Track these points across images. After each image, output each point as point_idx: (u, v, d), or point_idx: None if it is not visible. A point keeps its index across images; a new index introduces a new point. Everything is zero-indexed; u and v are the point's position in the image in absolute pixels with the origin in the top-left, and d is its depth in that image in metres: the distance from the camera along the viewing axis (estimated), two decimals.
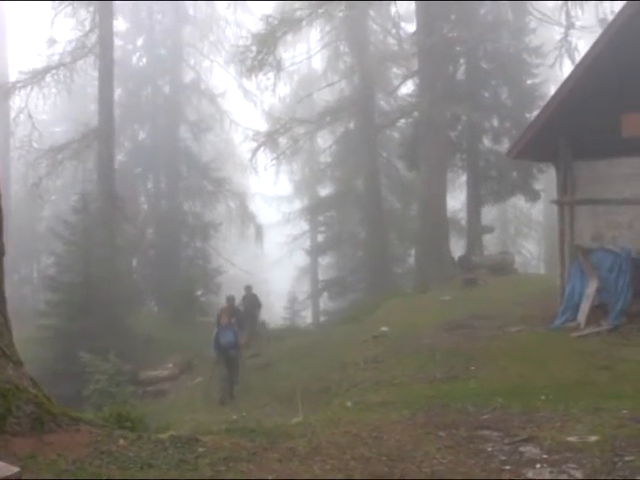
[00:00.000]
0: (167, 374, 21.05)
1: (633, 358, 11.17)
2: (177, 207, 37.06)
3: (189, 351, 22.43)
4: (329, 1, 26.37)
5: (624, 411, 7.92)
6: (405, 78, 32.24)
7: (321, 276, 43.64)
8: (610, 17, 18.09)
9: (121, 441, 6.14)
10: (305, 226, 46.03)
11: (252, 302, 22.63)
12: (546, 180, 29.13)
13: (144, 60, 39.44)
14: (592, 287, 14.06)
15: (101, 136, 28.75)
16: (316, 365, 15.97)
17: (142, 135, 39.22)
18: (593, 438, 6.97)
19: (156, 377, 20.93)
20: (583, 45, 24.78)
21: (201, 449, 6.23)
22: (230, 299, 20.98)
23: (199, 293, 32.32)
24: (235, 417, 13.65)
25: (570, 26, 26.16)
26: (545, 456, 6.57)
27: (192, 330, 25.59)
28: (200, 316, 28.98)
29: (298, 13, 26.80)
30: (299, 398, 12.79)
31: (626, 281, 13.78)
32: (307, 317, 40.69)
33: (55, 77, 30.57)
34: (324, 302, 41.79)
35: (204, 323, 25.11)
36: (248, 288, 23.23)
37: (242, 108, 41.95)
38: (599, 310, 14.02)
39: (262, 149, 32.48)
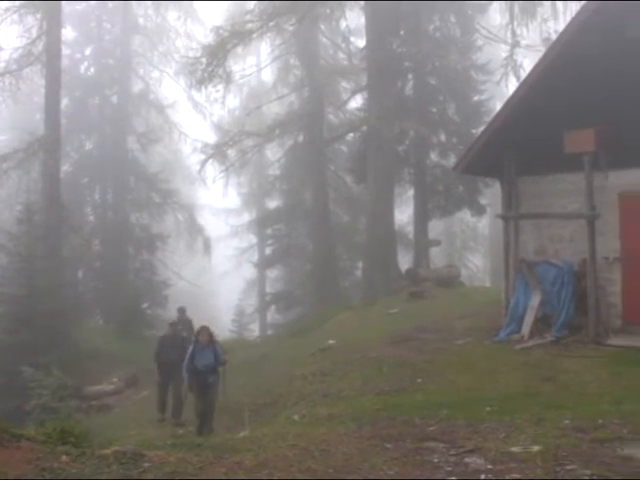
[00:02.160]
0: (112, 388, 20.76)
1: (575, 369, 11.38)
2: (124, 218, 36.63)
3: (135, 365, 22.12)
4: (280, 15, 26.42)
5: (566, 421, 8.05)
6: (354, 92, 32.53)
7: (269, 289, 43.60)
8: (553, 37, 18.55)
9: (64, 457, 6.02)
10: (253, 239, 45.94)
11: (185, 327, 19.18)
12: (491, 195, 29.62)
13: (92, 69, 39.01)
14: (536, 300, 14.30)
15: (47, 145, 28.25)
16: (263, 378, 15.90)
17: (89, 145, 38.68)
18: (536, 448, 7.07)
19: (101, 391, 20.61)
20: (528, 63, 25.45)
21: (146, 464, 6.14)
22: (181, 310, 20.06)
23: (146, 306, 31.93)
24: (181, 432, 13.50)
25: (515, 45, 26.79)
26: (490, 467, 6.64)
27: (138, 344, 25.25)
28: (147, 329, 28.65)
29: (249, 26, 26.81)
30: (246, 412, 12.71)
31: (569, 294, 14.05)
32: (255, 330, 40.60)
33: (1, 85, 30.02)
34: (272, 315, 41.74)
35: (150, 336, 24.79)
36: (181, 310, 20.31)
37: (191, 120, 41.86)
38: (543, 322, 14.26)
39: (211, 161, 32.41)
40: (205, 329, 13.55)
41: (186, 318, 19.64)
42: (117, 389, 20.67)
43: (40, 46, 29.40)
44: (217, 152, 32.29)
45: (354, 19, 32.36)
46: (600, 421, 7.92)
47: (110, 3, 37.63)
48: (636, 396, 9.39)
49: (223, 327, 35.71)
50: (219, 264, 47.09)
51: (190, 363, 13.10)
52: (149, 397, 17.99)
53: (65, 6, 31.23)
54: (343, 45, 34.18)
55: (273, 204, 42.51)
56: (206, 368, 13.08)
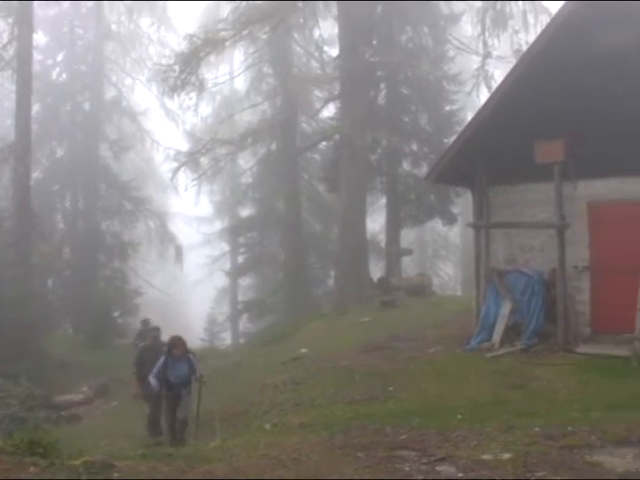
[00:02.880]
0: (82, 398, 20.51)
1: (545, 377, 11.48)
2: (95, 226, 36.33)
3: (105, 374, 21.91)
4: (253, 23, 26.46)
5: (536, 428, 8.12)
6: (327, 101, 32.61)
7: (241, 297, 43.46)
8: (524, 48, 18.78)
9: (32, 468, 5.93)
10: (225, 247, 45.81)
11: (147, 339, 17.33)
12: (463, 204, 29.85)
13: (64, 75, 38.72)
14: (506, 308, 14.40)
15: (17, 152, 27.95)
16: (235, 387, 15.82)
17: (60, 152, 38.34)
18: (507, 455, 7.12)
19: (70, 401, 20.35)
20: (499, 74, 25.73)
21: (116, 474, 6.08)
22: (145, 322, 19.05)
23: (116, 315, 31.69)
24: (152, 441, 13.39)
25: (487, 56, 27.11)
26: (461, 475, 6.67)
27: (108, 353, 25.03)
28: (117, 338, 28.41)
29: (222, 34, 26.80)
30: (217, 421, 12.64)
31: (538, 302, 14.19)
32: (226, 339, 40.39)
33: None
34: (244, 324, 41.57)
35: (121, 345, 24.60)
36: (145, 323, 18.93)
37: (164, 127, 41.70)
38: (513, 331, 14.37)
39: (183, 169, 32.33)
40: (179, 340, 12.54)
41: (152, 327, 17.31)
42: (87, 399, 20.43)
43: (11, 51, 29.15)
44: (189, 160, 32.21)
45: (327, 28, 32.49)
46: (569, 428, 8.00)
47: (83, 8, 37.44)
48: (604, 403, 9.50)
49: (195, 336, 35.50)
50: (191, 272, 46.86)
51: (161, 375, 12.23)
52: (119, 407, 17.84)
53: (37, 11, 31.02)
54: (316, 54, 34.31)
55: (245, 212, 42.44)
56: (179, 380, 12.30)
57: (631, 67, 13.14)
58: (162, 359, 12.41)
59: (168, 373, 12.26)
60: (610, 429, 7.79)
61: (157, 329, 16.05)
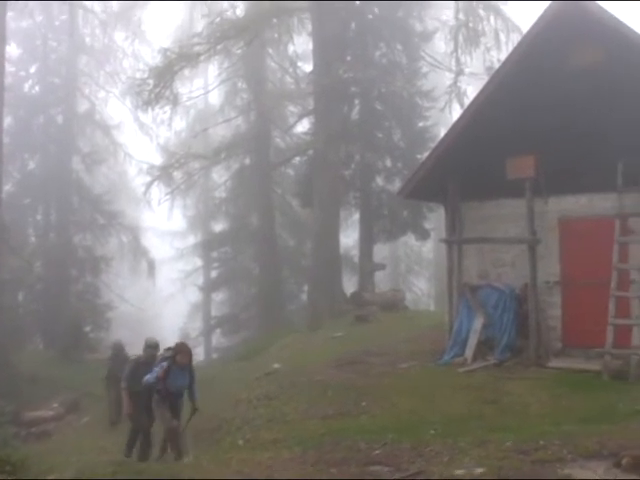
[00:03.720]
0: (52, 414, 20.20)
1: (517, 391, 11.55)
2: (67, 240, 35.95)
3: (76, 390, 21.65)
4: (228, 38, 26.50)
5: (508, 443, 8.15)
6: (301, 116, 32.72)
7: (214, 312, 43.23)
8: (496, 65, 19.00)
9: None
10: (198, 262, 45.57)
11: (122, 361, 16.08)
12: (436, 219, 29.99)
13: (37, 88, 38.33)
14: (479, 323, 14.48)
15: None
16: (207, 403, 15.67)
17: (32, 165, 37.91)
18: (479, 470, 7.13)
19: (40, 418, 20.02)
20: (471, 91, 25.96)
21: None
22: (117, 346, 17.53)
23: (88, 329, 31.36)
24: (123, 458, 13.23)
25: (460, 72, 27.37)
26: None
27: (80, 368, 24.72)
28: (89, 353, 28.09)
29: (196, 48, 26.80)
30: (189, 437, 12.53)
31: (510, 317, 14.29)
32: (200, 354, 40.09)
33: None
34: (217, 339, 41.36)
35: (93, 360, 24.33)
36: (117, 346, 17.60)
37: (137, 141, 41.47)
38: (485, 345, 14.44)
39: (156, 183, 32.14)
40: (185, 347, 11.54)
41: (122, 355, 16.81)
42: (57, 415, 20.13)
43: None
44: (163, 174, 32.06)
45: (302, 44, 32.62)
46: (541, 442, 8.03)
47: (57, 21, 37.28)
48: (576, 417, 9.58)
49: None
50: (164, 287, 46.53)
51: (158, 384, 11.08)
52: (91, 423, 17.63)
53: (10, 23, 30.76)
54: (290, 69, 34.42)
55: (219, 227, 42.32)
56: (178, 390, 11.35)
57: (601, 85, 13.35)
58: (164, 365, 11.13)
59: (169, 382, 11.08)
60: (582, 443, 7.84)
61: (155, 346, 15.52)
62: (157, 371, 11.09)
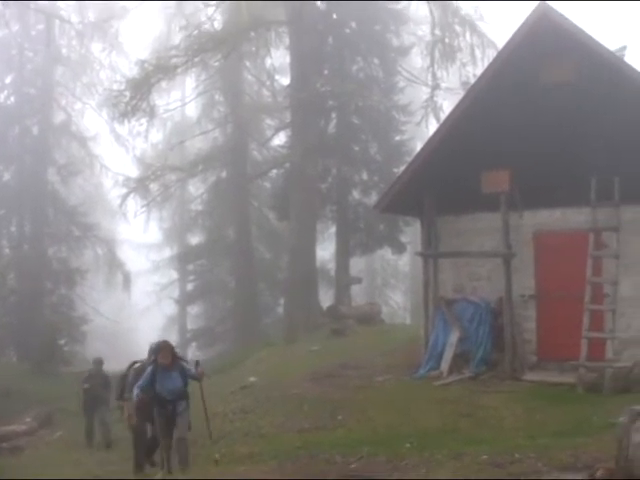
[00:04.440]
0: (25, 429, 19.87)
1: (492, 405, 11.60)
2: (42, 252, 35.65)
3: (50, 404, 21.39)
4: (205, 51, 26.49)
5: (484, 456, 8.18)
6: (278, 129, 32.77)
7: (190, 325, 42.96)
8: (472, 81, 19.18)
9: None
10: (174, 274, 45.31)
11: (101, 382, 15.94)
12: (412, 233, 30.09)
13: (12, 98, 38.09)
14: (454, 336, 14.53)
15: None
16: None
17: (7, 176, 37.56)
18: None
19: (12, 432, 19.67)
20: (448, 105, 26.18)
21: None
22: (97, 362, 16.57)
23: (62, 342, 31.04)
24: (99, 472, 13.09)
25: (436, 87, 27.58)
26: None
27: (54, 382, 24.46)
28: (63, 367, 27.81)
29: (174, 60, 26.75)
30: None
31: (486, 330, 14.35)
32: None
33: None
34: (193, 352, 41.03)
35: (67, 374, 24.08)
36: (97, 362, 16.55)
37: (113, 153, 41.24)
38: (461, 359, 14.48)
39: (132, 195, 31.95)
40: (166, 346, 10.43)
41: (102, 373, 16.20)
42: (30, 429, 19.80)
43: None
44: (139, 186, 31.88)
45: (279, 58, 32.72)
46: (516, 455, 8.08)
47: (33, 31, 37.10)
48: (550, 430, 9.64)
49: None
50: (139, 300, 46.17)
51: (146, 390, 10.05)
52: (65, 437, 17.41)
53: None
54: (268, 82, 34.46)
55: (195, 240, 42.15)
56: (173, 395, 10.14)
57: (574, 101, 13.53)
58: (149, 370, 10.18)
59: (158, 388, 10.05)
60: (556, 455, 7.89)
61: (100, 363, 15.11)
62: (144, 378, 10.16)
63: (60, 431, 18.62)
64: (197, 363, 10.70)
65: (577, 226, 13.56)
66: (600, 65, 13.05)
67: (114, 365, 19.22)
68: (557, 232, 13.97)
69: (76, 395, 17.11)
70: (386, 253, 36.86)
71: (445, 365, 14.33)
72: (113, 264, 39.06)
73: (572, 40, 13.16)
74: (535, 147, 13.84)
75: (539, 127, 13.85)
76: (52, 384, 24.01)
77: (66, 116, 39.55)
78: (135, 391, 10.22)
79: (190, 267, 40.35)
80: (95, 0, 36.33)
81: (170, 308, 45.90)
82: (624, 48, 15.17)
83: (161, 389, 10.07)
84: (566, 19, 13.32)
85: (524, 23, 13.56)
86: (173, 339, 42.55)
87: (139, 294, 44.04)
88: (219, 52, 26.96)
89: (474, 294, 14.84)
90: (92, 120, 41.44)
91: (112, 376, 15.73)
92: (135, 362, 12.41)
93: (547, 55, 13.68)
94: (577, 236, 13.45)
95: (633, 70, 12.80)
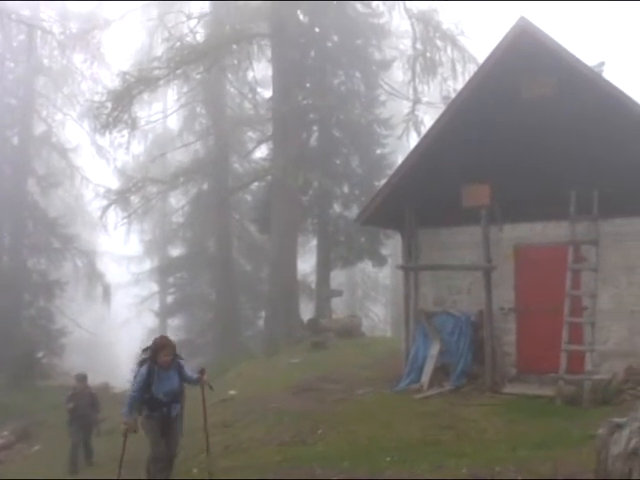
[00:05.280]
0: (2, 443, 19.68)
1: (473, 417, 11.61)
2: (21, 264, 35.39)
3: (27, 417, 21.17)
4: (187, 63, 26.50)
5: (464, 469, 8.19)
6: (259, 142, 32.83)
7: (170, 338, 42.70)
8: (453, 95, 19.32)
9: None
10: (154, 287, 45.11)
11: (86, 400, 14.63)
12: (393, 246, 30.20)
13: None
14: (435, 349, 14.56)
15: None
16: None
17: None
18: None
19: None
20: (429, 119, 26.36)
21: None
22: (80, 378, 15.16)
23: (41, 355, 30.77)
24: None
25: (417, 101, 27.77)
26: None
27: (31, 395, 24.21)
28: (41, 380, 27.54)
29: (156, 72, 26.75)
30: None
31: (466, 343, 14.39)
32: None
33: None
34: None
35: (45, 387, 23.85)
36: (81, 379, 15.11)
37: (94, 164, 41.05)
38: (441, 371, 14.50)
39: (113, 207, 31.80)
40: (169, 343, 9.31)
41: (87, 391, 14.90)
42: (7, 443, 19.61)
43: None
44: (120, 198, 31.75)
45: (261, 70, 32.78)
46: (497, 468, 8.09)
47: (14, 41, 36.90)
48: (530, 442, 9.66)
49: (122, 377, 34.69)
50: (119, 312, 45.91)
51: (141, 393, 8.89)
52: (42, 451, 17.22)
53: None
54: (250, 95, 34.52)
55: (176, 252, 42.01)
56: (169, 396, 9.07)
57: (554, 116, 13.66)
58: (143, 370, 8.94)
59: (154, 389, 8.90)
60: (536, 468, 7.91)
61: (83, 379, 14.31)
62: (138, 383, 8.93)
63: (38, 445, 18.43)
64: (202, 371, 9.71)
65: (557, 239, 13.66)
66: (579, 81, 13.20)
67: (94, 378, 19.04)
68: (537, 245, 14.07)
69: (54, 409, 16.90)
70: (367, 266, 36.90)
71: (426, 378, 14.34)
72: (93, 276, 38.84)
73: (551, 56, 13.30)
74: (515, 161, 13.95)
75: (519, 141, 13.97)
76: (30, 397, 23.77)
77: (47, 127, 39.41)
78: (124, 408, 9.02)
79: (170, 279, 40.19)
80: (85, 0, 36.22)
81: (150, 320, 45.61)
82: (602, 64, 15.39)
83: (157, 391, 8.90)
84: (546, 35, 13.46)
85: (504, 38, 13.69)
86: None
87: (119, 306, 43.80)
88: (201, 64, 27.00)
89: (454, 307, 14.88)
90: (73, 131, 41.36)
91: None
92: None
93: (527, 70, 13.83)
94: (557, 249, 13.56)
95: (611, 86, 12.95)
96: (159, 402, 8.97)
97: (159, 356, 8.93)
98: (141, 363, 9.09)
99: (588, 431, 9.47)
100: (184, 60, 26.50)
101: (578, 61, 13.19)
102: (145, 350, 9.36)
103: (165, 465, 9.19)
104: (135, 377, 9.03)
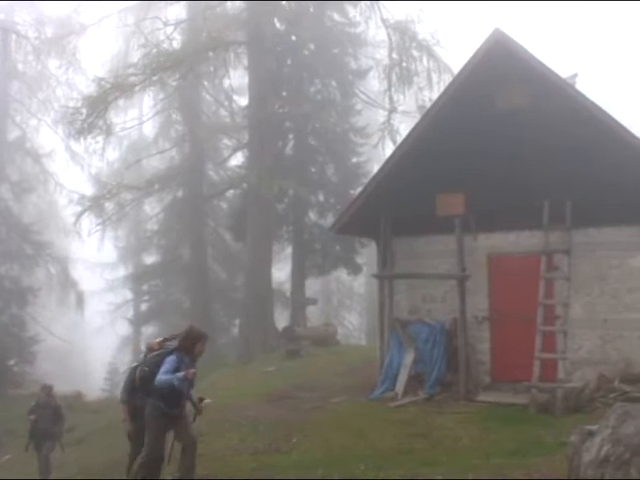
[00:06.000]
0: None
1: (447, 425, 11.67)
2: None
3: None
4: (163, 70, 26.41)
5: (439, 477, 8.23)
6: (235, 150, 32.80)
7: (144, 346, 42.38)
8: (428, 104, 19.46)
9: None
10: (128, 294, 44.79)
11: (49, 413, 14.05)
12: (368, 254, 30.27)
13: None
14: (409, 358, 14.60)
15: None
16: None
17: None
18: None
19: None
20: (404, 128, 26.44)
21: None
22: (46, 389, 14.52)
23: (12, 363, 30.41)
24: None
25: (393, 110, 27.86)
26: None
27: (2, 403, 23.94)
28: (12, 388, 27.22)
29: (131, 79, 26.62)
30: (122, 475, 12.23)
31: (440, 352, 14.45)
32: None
33: None
34: None
35: (16, 396, 23.57)
36: (45, 389, 14.46)
37: (68, 170, 40.69)
38: (416, 380, 14.54)
39: (87, 214, 31.51)
40: (205, 334, 8.88)
41: (52, 403, 14.29)
42: None
43: None
44: (94, 204, 31.47)
45: (238, 78, 32.76)
46: (470, 475, 8.14)
47: None
48: (504, 450, 9.72)
49: (95, 385, 34.44)
50: (92, 320, 45.53)
51: (171, 393, 8.24)
52: (13, 461, 17.02)
53: None
54: (226, 103, 34.54)
55: (150, 259, 41.74)
56: (187, 393, 8.71)
57: (527, 126, 13.79)
58: (172, 358, 8.23)
59: (183, 391, 8.50)
60: (510, 475, 7.97)
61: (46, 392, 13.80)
62: (171, 367, 8.12)
63: (9, 454, 18.23)
64: (201, 400, 9.30)
65: (530, 249, 13.79)
66: (552, 92, 13.35)
67: (66, 386, 18.88)
68: (510, 254, 14.19)
69: (25, 418, 16.65)
70: (342, 274, 36.99)
71: (400, 386, 14.38)
72: (66, 283, 38.47)
73: (525, 67, 13.44)
74: (490, 171, 14.07)
75: (494, 151, 14.09)
76: (0, 406, 23.48)
77: (21, 132, 39.10)
78: (177, 376, 8.10)
79: (145, 287, 39.93)
80: (62, 0, 35.96)
81: (124, 328, 45.32)
82: (575, 75, 15.60)
83: (181, 383, 8.20)
84: (520, 46, 13.61)
85: (479, 49, 13.82)
86: (127, 360, 42.17)
87: (93, 314, 43.43)
88: (177, 71, 26.91)
89: (429, 315, 14.94)
90: (47, 137, 40.99)
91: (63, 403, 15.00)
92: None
93: (502, 81, 13.97)
94: (530, 259, 13.68)
95: (584, 97, 13.12)
96: (179, 395, 8.43)
97: (197, 346, 8.43)
98: (170, 352, 8.40)
99: (561, 438, 9.57)
100: (160, 67, 26.39)
101: (551, 72, 13.34)
102: (166, 340, 8.96)
103: (191, 449, 8.91)
104: (163, 364, 8.20)
